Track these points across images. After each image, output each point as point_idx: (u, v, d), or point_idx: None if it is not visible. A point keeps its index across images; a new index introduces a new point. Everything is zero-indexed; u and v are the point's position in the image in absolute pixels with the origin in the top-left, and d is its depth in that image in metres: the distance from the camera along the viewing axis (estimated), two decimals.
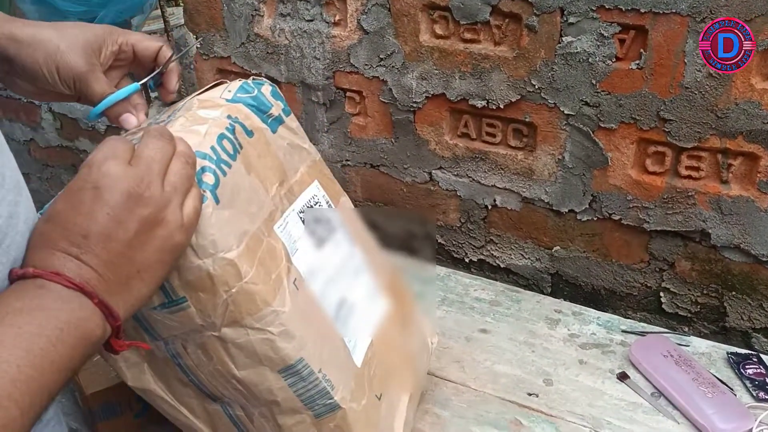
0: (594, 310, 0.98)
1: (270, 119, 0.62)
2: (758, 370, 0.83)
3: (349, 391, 0.60)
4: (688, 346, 0.89)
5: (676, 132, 0.88)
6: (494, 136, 1.04)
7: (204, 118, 0.56)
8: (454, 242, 1.16)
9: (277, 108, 0.64)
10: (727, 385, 0.80)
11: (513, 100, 0.98)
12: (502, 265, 1.14)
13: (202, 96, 0.61)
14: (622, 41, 0.87)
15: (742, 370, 0.83)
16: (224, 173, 0.52)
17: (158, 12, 1.49)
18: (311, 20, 1.11)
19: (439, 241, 1.18)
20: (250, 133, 0.59)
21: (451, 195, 1.12)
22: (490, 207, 1.09)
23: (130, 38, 0.61)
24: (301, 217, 0.63)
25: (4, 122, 1.79)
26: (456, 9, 0.96)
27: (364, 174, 1.19)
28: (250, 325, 0.53)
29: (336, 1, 1.07)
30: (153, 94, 0.67)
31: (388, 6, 1.02)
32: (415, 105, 1.07)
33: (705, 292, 0.97)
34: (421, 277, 0.89)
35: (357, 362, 0.63)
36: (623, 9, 0.84)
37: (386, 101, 1.10)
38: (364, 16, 1.05)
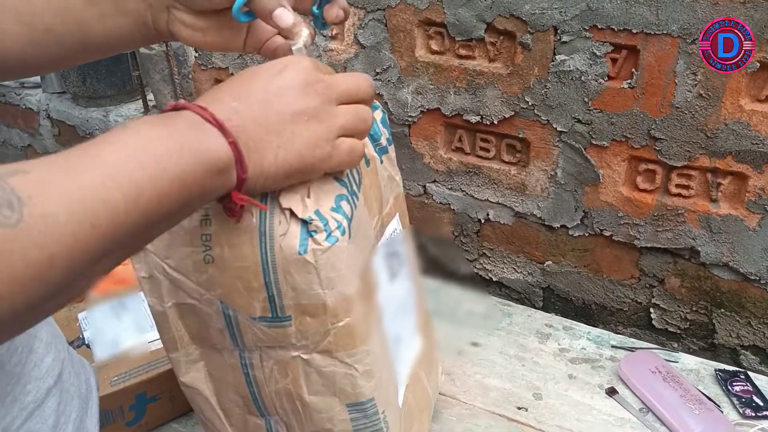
0: (585, 325, 0.99)
1: (378, 148, 0.59)
2: (745, 388, 0.84)
3: None
4: (677, 362, 0.90)
5: (666, 150, 0.89)
6: (488, 150, 1.05)
7: None
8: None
9: (384, 136, 0.61)
10: (714, 402, 0.81)
11: (507, 116, 0.99)
12: (494, 279, 1.14)
13: None
14: (614, 60, 0.88)
15: (729, 387, 0.84)
16: (355, 205, 0.49)
17: None
18: None
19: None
20: (367, 162, 0.55)
21: (444, 208, 1.13)
22: (483, 221, 1.10)
23: None
24: (383, 251, 0.59)
25: (2, 128, 1.80)
26: (451, 25, 0.98)
27: None
28: (341, 358, 0.52)
29: None
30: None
31: (384, 21, 1.03)
32: (410, 119, 1.08)
33: (694, 308, 0.98)
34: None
35: (399, 403, 0.61)
36: (615, 29, 0.85)
37: None
38: (361, 31, 1.06)
